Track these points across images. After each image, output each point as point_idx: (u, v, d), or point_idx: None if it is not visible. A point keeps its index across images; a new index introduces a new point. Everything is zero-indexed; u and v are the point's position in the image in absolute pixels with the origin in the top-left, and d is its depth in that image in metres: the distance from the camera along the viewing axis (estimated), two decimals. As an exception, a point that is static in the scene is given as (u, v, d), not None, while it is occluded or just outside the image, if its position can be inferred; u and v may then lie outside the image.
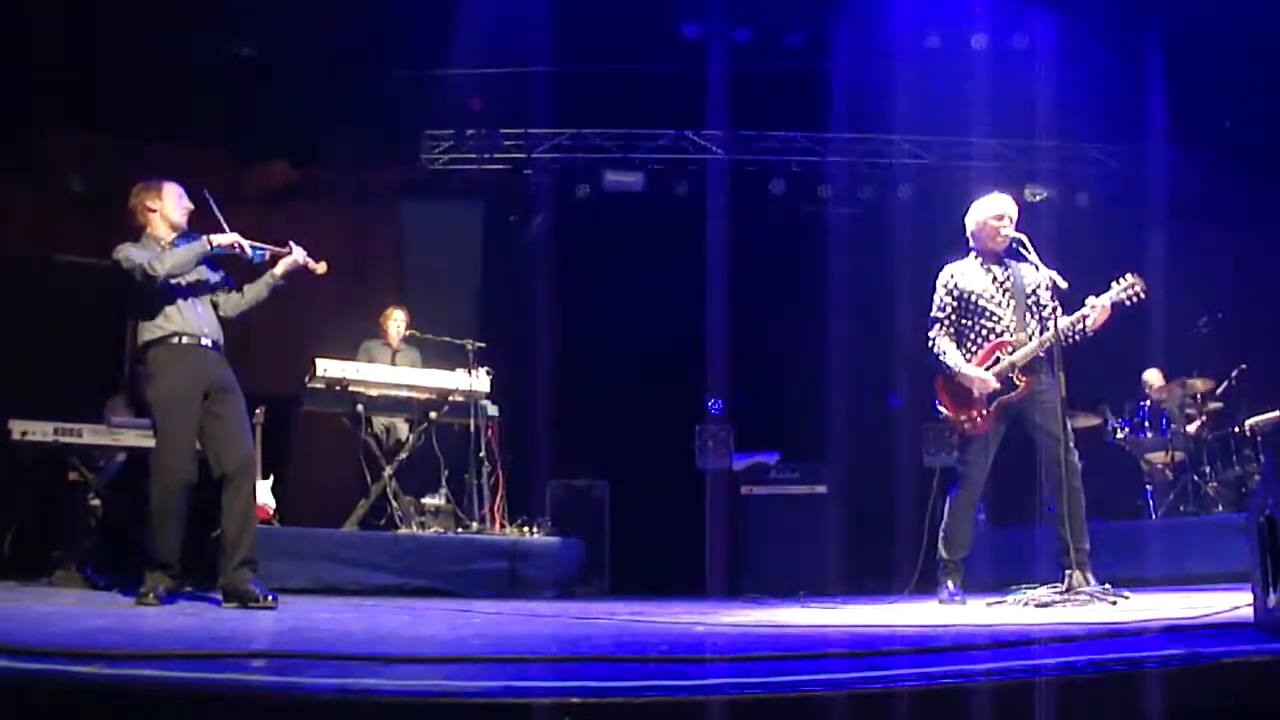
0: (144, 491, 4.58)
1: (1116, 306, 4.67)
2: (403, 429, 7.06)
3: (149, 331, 4.53)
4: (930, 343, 4.92)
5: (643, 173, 9.12)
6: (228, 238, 4.66)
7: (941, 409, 4.92)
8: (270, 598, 4.32)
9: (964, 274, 4.90)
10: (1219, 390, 7.47)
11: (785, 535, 7.66)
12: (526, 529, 6.73)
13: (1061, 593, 4.16)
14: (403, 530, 6.47)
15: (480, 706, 1.84)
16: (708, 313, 8.59)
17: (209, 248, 4.60)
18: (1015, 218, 4.87)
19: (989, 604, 4.38)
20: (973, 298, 4.84)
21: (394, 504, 6.62)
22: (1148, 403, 7.80)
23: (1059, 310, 4.67)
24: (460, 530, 6.63)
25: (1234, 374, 7.34)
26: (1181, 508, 7.18)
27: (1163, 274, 6.49)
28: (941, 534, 4.91)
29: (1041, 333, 4.72)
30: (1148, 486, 7.62)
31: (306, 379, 6.48)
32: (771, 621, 3.86)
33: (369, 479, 6.61)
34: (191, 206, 4.73)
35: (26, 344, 7.32)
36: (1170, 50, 7.92)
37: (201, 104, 7.93)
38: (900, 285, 7.34)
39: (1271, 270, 7.79)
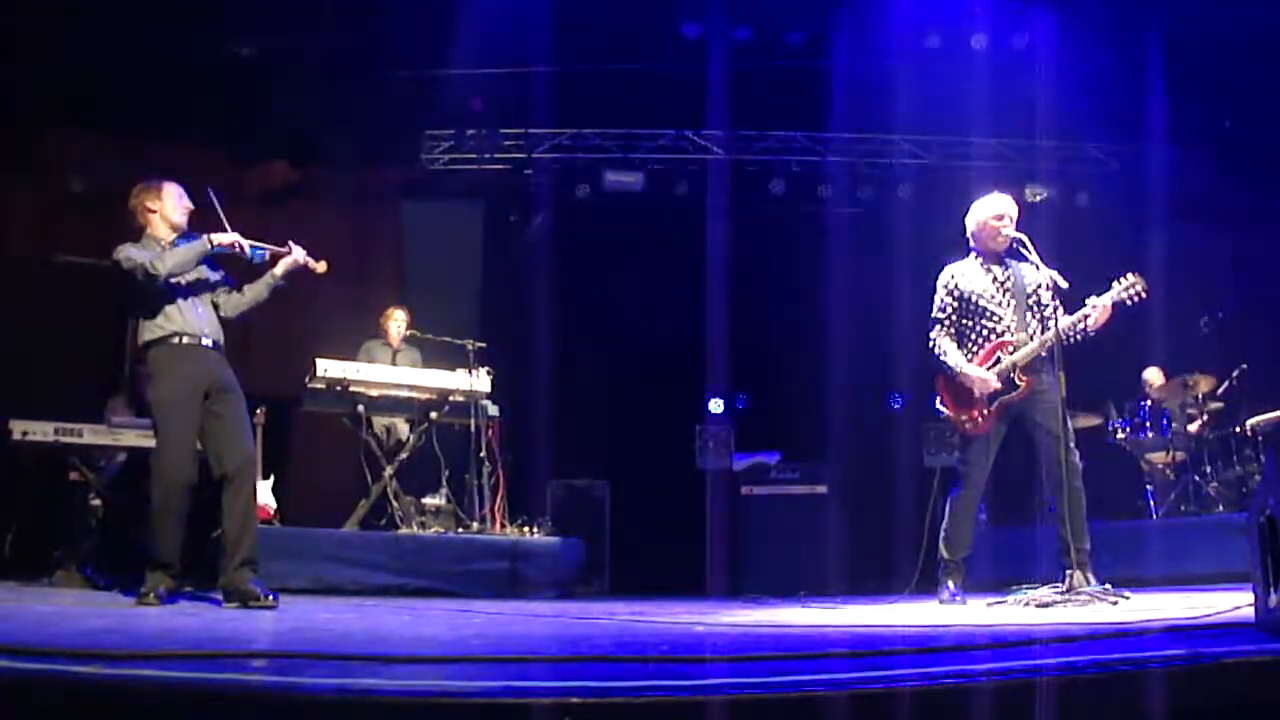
0: (144, 491, 4.58)
1: (1118, 306, 4.67)
2: (403, 429, 7.06)
3: (149, 331, 4.53)
4: (931, 343, 4.92)
5: (643, 173, 9.12)
6: (228, 237, 4.66)
7: (943, 409, 4.92)
8: (271, 597, 4.33)
9: (964, 274, 4.89)
10: (1220, 390, 7.46)
11: (785, 535, 7.66)
12: (527, 529, 6.73)
13: (1062, 593, 4.16)
14: (403, 530, 6.47)
15: (481, 706, 1.84)
16: (708, 313, 8.59)
17: (209, 246, 4.61)
18: (1015, 217, 4.87)
19: (990, 604, 4.38)
20: (973, 298, 4.84)
21: (394, 504, 6.62)
22: (1148, 402, 7.80)
23: (1060, 310, 4.67)
24: (461, 530, 6.63)
25: (1235, 374, 7.33)
26: (1182, 508, 7.17)
27: (1163, 274, 6.48)
28: (942, 534, 4.91)
29: (1042, 332, 4.72)
30: (1148, 486, 7.61)
31: (307, 379, 6.48)
32: (772, 621, 3.86)
33: (369, 479, 6.61)
34: (191, 206, 4.73)
35: (27, 344, 7.32)
36: (1170, 50, 7.92)
37: (201, 104, 7.93)
38: (900, 285, 7.35)
39: (1272, 270, 7.78)
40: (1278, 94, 7.75)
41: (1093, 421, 7.60)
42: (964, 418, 4.80)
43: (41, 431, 6.04)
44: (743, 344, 8.76)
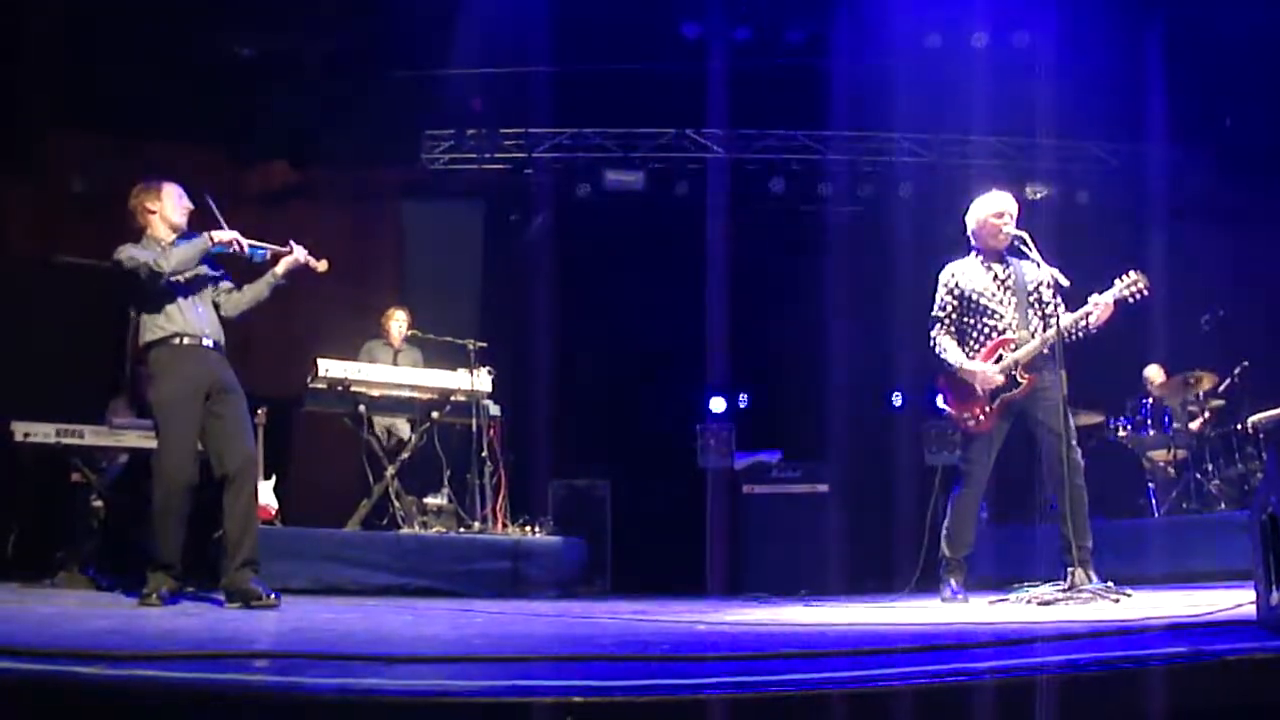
0: (146, 492, 4.58)
1: (1119, 303, 4.67)
2: (404, 429, 7.07)
3: (150, 332, 4.53)
4: (931, 342, 4.92)
5: (643, 172, 9.12)
6: (227, 234, 4.67)
7: (945, 407, 4.92)
8: (273, 596, 4.33)
9: (965, 273, 4.89)
10: (1221, 387, 7.46)
11: (787, 534, 7.66)
12: (528, 528, 6.73)
13: (1064, 591, 4.16)
14: (405, 530, 6.47)
15: (482, 706, 1.84)
16: (708, 312, 8.59)
17: (210, 244, 4.61)
18: (1016, 215, 4.87)
19: (991, 602, 4.38)
20: (974, 296, 4.84)
21: (396, 504, 6.62)
22: (1149, 400, 7.80)
23: (1061, 308, 4.67)
24: (462, 530, 6.63)
25: (1236, 371, 7.33)
26: (1184, 505, 7.17)
27: (1164, 271, 6.48)
28: (944, 532, 4.91)
29: (1044, 330, 4.72)
30: (1150, 484, 7.61)
31: (308, 379, 6.48)
32: (773, 621, 3.86)
33: (371, 479, 6.61)
34: (191, 207, 4.73)
35: (28, 345, 7.32)
36: (1170, 49, 7.92)
37: (201, 104, 7.93)
38: (900, 284, 7.34)
39: (1273, 268, 7.78)
40: (1278, 93, 7.75)
41: (1094, 419, 7.60)
42: (966, 415, 4.80)
43: (43, 433, 6.04)
44: (743, 344, 8.76)
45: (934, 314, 4.93)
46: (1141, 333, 7.27)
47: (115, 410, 6.55)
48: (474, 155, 9.15)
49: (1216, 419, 7.45)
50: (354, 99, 8.38)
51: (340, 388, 6.56)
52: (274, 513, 6.46)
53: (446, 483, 6.87)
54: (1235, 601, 3.18)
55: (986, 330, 4.83)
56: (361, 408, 6.65)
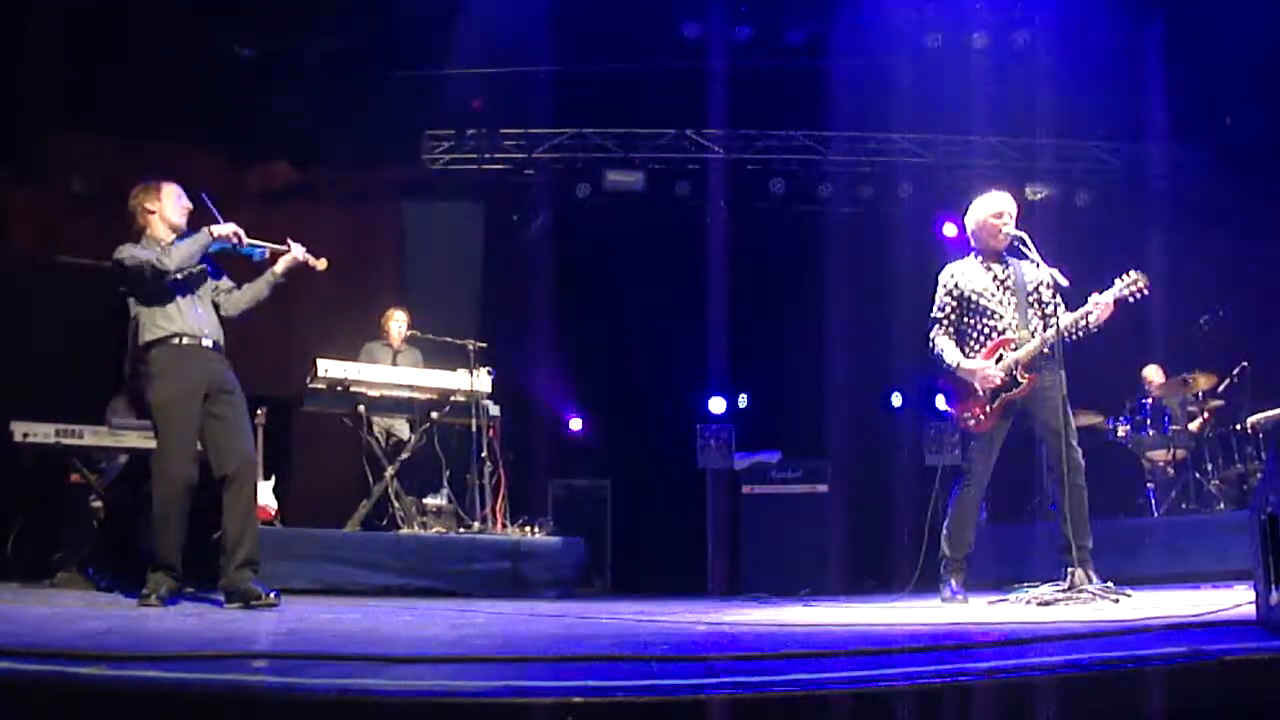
0: (145, 492, 4.58)
1: (1119, 302, 4.67)
2: (404, 429, 7.07)
3: (150, 332, 4.53)
4: (930, 343, 4.92)
5: (643, 172, 9.12)
6: (227, 228, 4.67)
7: (945, 407, 4.93)
8: (273, 596, 4.33)
9: (964, 274, 4.89)
10: (1220, 387, 7.47)
11: (786, 535, 7.65)
12: (528, 529, 6.73)
13: (1064, 591, 4.16)
14: (405, 530, 6.47)
15: (482, 706, 1.84)
16: (708, 313, 8.59)
17: (210, 238, 4.62)
18: (1015, 216, 4.86)
19: (991, 602, 4.38)
20: (974, 297, 4.84)
21: (396, 504, 6.62)
22: (1149, 400, 7.80)
23: (1061, 307, 4.68)
24: (462, 530, 6.63)
25: (1235, 371, 7.34)
26: (1183, 505, 7.17)
27: (1163, 272, 6.48)
28: (945, 532, 4.91)
29: (1044, 330, 4.71)
30: (1149, 484, 7.61)
31: (308, 379, 6.48)
32: (773, 621, 3.86)
33: (371, 479, 6.61)
34: (191, 206, 4.74)
35: (27, 345, 7.32)
36: (1171, 48, 7.92)
37: (201, 104, 7.93)
38: (900, 284, 7.34)
39: (1272, 268, 7.78)
40: (1278, 93, 7.75)
41: (1093, 419, 7.60)
42: (967, 415, 4.80)
43: (42, 433, 6.04)
44: (743, 344, 8.76)
45: (933, 315, 4.93)
46: (1141, 333, 7.27)
47: (114, 410, 6.55)
48: (474, 155, 9.16)
49: (1215, 419, 7.45)
50: (354, 99, 8.38)
51: (340, 388, 6.56)
52: (273, 513, 6.46)
53: (446, 483, 6.87)
54: (1234, 601, 3.19)
55: (986, 331, 4.82)
56: (361, 408, 6.65)
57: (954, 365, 4.80)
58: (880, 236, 8.84)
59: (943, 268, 4.98)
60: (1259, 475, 6.57)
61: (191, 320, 4.57)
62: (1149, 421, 7.66)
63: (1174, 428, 7.57)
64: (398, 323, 7.42)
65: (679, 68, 8.35)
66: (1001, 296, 4.82)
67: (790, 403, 8.82)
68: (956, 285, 4.88)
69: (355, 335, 7.47)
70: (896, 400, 9.05)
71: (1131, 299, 4.67)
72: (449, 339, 7.13)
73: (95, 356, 7.33)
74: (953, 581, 4.82)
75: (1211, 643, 2.31)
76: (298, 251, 4.84)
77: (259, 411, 5.98)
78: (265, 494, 6.22)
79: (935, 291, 4.96)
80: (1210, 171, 8.62)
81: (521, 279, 9.03)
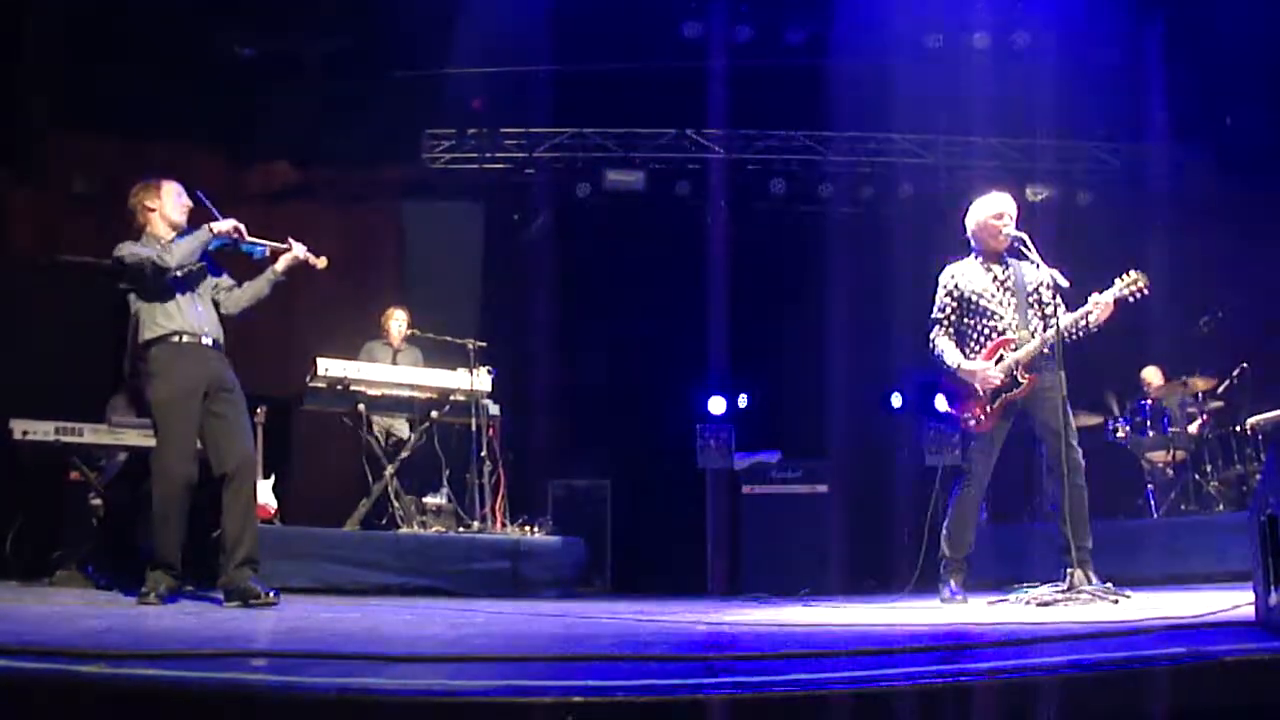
0: (145, 491, 4.59)
1: (1120, 302, 4.67)
2: (404, 428, 7.07)
3: (150, 330, 4.53)
4: (930, 344, 4.92)
5: (643, 172, 9.12)
6: (227, 224, 4.68)
7: (946, 407, 4.92)
8: (272, 595, 4.33)
9: (964, 274, 4.89)
10: (1220, 389, 7.47)
11: (786, 534, 7.65)
12: (528, 528, 6.73)
13: (1063, 591, 4.15)
14: (404, 530, 6.48)
15: (482, 706, 1.84)
16: (708, 313, 8.59)
17: (211, 235, 4.62)
18: (1015, 216, 4.86)
19: (991, 603, 4.38)
20: (974, 298, 4.84)
21: (395, 503, 6.62)
22: (1148, 401, 7.80)
23: (1062, 308, 4.67)
24: (462, 530, 6.63)
25: (1235, 372, 7.33)
26: (1183, 506, 7.17)
27: (1163, 272, 6.48)
28: (945, 532, 4.91)
29: (1044, 330, 4.71)
30: (1149, 485, 7.61)
31: (308, 378, 6.48)
32: (773, 621, 3.86)
33: (370, 478, 6.61)
34: (191, 205, 4.74)
35: (27, 343, 7.32)
36: (1171, 48, 7.92)
37: (201, 104, 7.93)
38: (900, 285, 7.34)
39: (1272, 269, 7.78)
40: (1278, 92, 7.74)
41: (1093, 420, 7.60)
42: (967, 415, 4.80)
43: (42, 431, 6.04)
44: (743, 344, 8.76)
45: (933, 315, 4.93)
46: (1140, 334, 7.27)
47: (114, 408, 6.55)
48: (474, 155, 9.16)
49: (1215, 420, 7.45)
50: (354, 99, 8.38)
51: (340, 387, 6.56)
52: (273, 512, 6.46)
53: (446, 482, 6.87)
54: (1234, 602, 3.18)
55: (986, 331, 4.83)
56: (361, 407, 6.65)
57: (954, 366, 4.80)
58: (880, 237, 8.84)
59: (943, 268, 4.98)
60: (1258, 476, 6.57)
61: (191, 318, 4.57)
62: (1149, 423, 7.66)
63: (1173, 429, 7.57)
64: (398, 322, 7.42)
65: (679, 68, 8.35)
66: (1001, 297, 4.82)
67: (790, 403, 8.82)
68: (956, 286, 4.88)
69: (355, 334, 7.48)
70: (896, 400, 9.05)
71: (1131, 299, 4.67)
72: (449, 338, 7.13)
73: (95, 355, 7.33)
74: (952, 582, 4.82)
75: (1211, 644, 2.31)
76: (299, 250, 4.84)
77: (259, 410, 5.98)
78: (265, 493, 6.22)
79: (935, 292, 4.96)
80: (1210, 171, 8.62)
81: (521, 279, 9.03)
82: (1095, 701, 2.00)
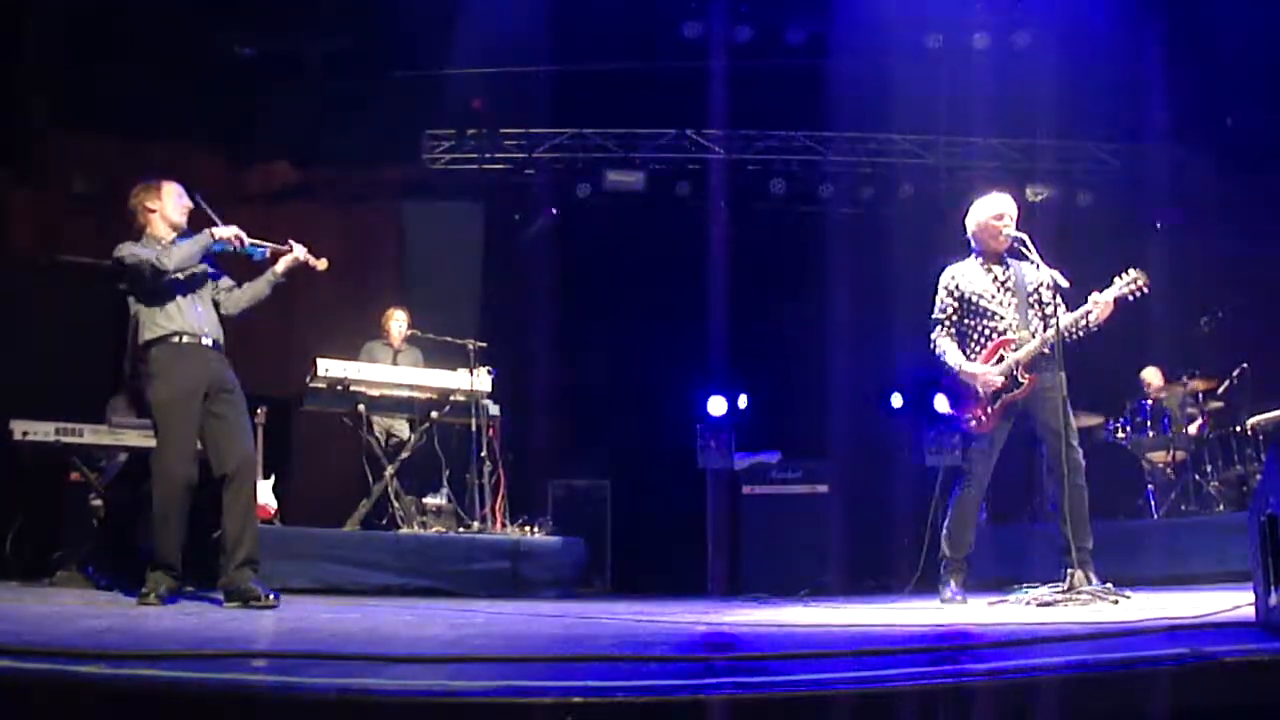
0: (145, 491, 4.58)
1: (1119, 301, 4.67)
2: (404, 429, 7.07)
3: (150, 330, 4.53)
4: (931, 344, 4.92)
5: (643, 172, 9.12)
6: (228, 230, 4.68)
7: (946, 408, 4.92)
8: (272, 596, 4.33)
9: (965, 275, 4.89)
10: (1220, 389, 7.46)
11: (787, 535, 7.65)
12: (528, 529, 6.73)
13: (1063, 592, 4.15)
14: (404, 530, 6.47)
15: (482, 706, 1.84)
16: (708, 313, 8.59)
17: (212, 240, 4.62)
18: (1015, 217, 4.86)
19: (991, 603, 4.38)
20: (974, 298, 4.84)
21: (395, 504, 6.62)
22: (1149, 402, 7.80)
23: (1062, 308, 4.67)
24: (462, 530, 6.63)
25: (1235, 373, 7.33)
26: (1183, 507, 7.17)
27: (1163, 273, 6.48)
28: (945, 532, 4.91)
29: (1045, 330, 4.71)
30: (1149, 486, 7.61)
31: (308, 378, 6.48)
32: (773, 621, 3.86)
33: (370, 479, 6.61)
34: (191, 205, 4.74)
35: (28, 344, 7.32)
36: (1171, 48, 7.92)
37: (201, 104, 7.94)
38: (900, 285, 7.34)
39: (1272, 269, 7.77)
40: (1278, 92, 7.74)
41: (1093, 421, 7.60)
42: (968, 416, 4.80)
43: (42, 431, 6.04)
44: (743, 344, 8.76)
45: (934, 316, 4.93)
46: (1140, 334, 7.27)
47: (115, 409, 6.55)
48: (474, 155, 9.16)
49: (1215, 421, 7.45)
50: (354, 99, 8.38)
51: (340, 387, 6.56)
52: (273, 512, 6.46)
53: (446, 483, 6.87)
54: (1234, 603, 3.18)
55: (987, 332, 4.83)
56: (361, 407, 6.65)
57: (955, 368, 4.81)
58: (880, 237, 8.84)
59: (943, 269, 4.98)
60: (1258, 477, 6.56)
61: (191, 319, 4.57)
62: (1149, 423, 7.66)
63: (1173, 429, 7.57)
64: (398, 322, 7.43)
65: (679, 68, 8.35)
66: (1002, 298, 4.83)
67: (790, 403, 8.82)
68: (957, 286, 4.88)
69: (355, 335, 7.48)
70: (896, 401, 9.04)
71: (1131, 298, 4.67)
72: (449, 339, 7.13)
73: (95, 355, 7.34)
74: (952, 582, 4.82)
75: (1211, 644, 2.31)
76: (299, 251, 4.85)
77: (259, 411, 5.98)
78: (265, 493, 6.21)
79: (935, 293, 4.96)
80: (1210, 171, 8.62)
81: (521, 279, 9.03)
82: (1095, 702, 2.00)
